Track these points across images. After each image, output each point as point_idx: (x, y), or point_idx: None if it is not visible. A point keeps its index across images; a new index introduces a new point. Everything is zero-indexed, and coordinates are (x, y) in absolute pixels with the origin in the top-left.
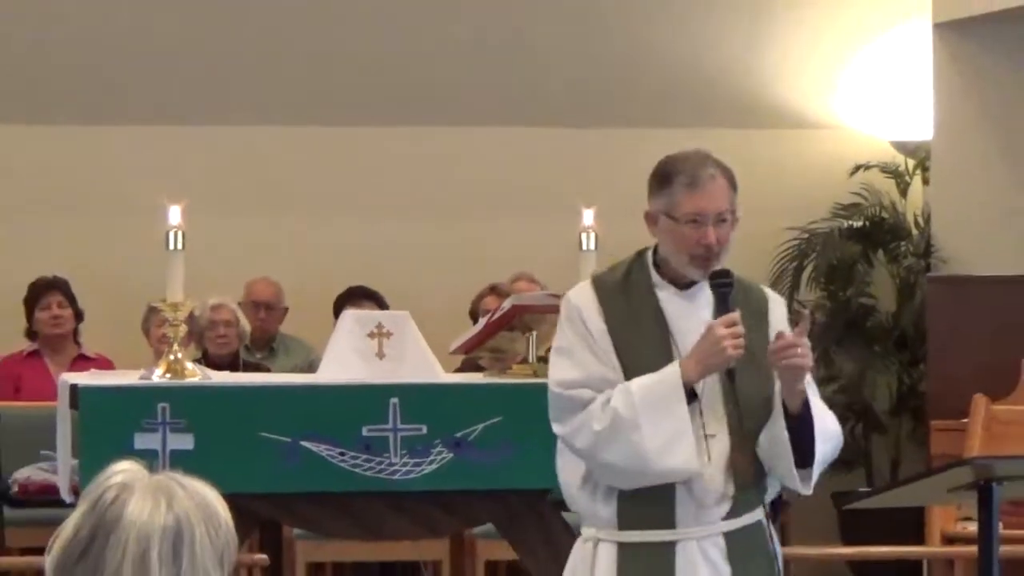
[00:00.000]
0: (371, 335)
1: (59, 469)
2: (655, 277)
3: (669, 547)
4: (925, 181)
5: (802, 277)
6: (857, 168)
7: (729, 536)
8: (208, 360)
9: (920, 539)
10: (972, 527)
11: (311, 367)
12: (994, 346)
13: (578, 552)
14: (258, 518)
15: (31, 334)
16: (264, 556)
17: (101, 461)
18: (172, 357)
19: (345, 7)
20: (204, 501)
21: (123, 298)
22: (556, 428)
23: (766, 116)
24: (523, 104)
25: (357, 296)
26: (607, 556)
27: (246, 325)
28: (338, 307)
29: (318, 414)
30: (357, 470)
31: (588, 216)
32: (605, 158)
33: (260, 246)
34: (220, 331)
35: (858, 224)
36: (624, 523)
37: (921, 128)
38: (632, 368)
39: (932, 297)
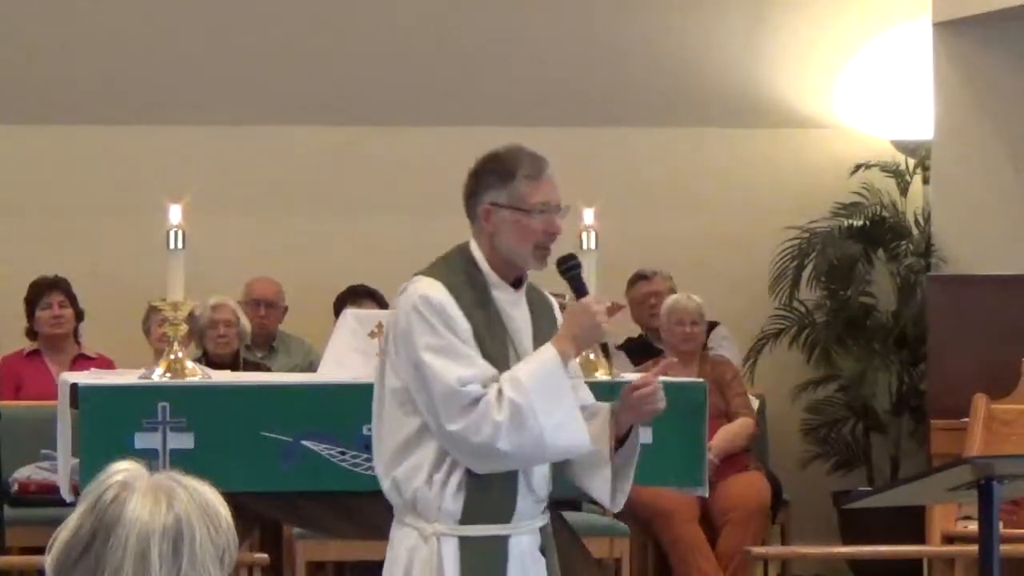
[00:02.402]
0: (371, 334)
1: (59, 468)
2: (493, 277)
3: (503, 540)
4: (925, 180)
5: (802, 276)
6: (857, 167)
7: (542, 529)
8: (208, 359)
9: (920, 539)
10: (972, 526)
11: (311, 366)
12: (994, 346)
13: (416, 550)
14: (258, 518)
15: (32, 333)
16: (264, 556)
17: (101, 460)
18: (172, 356)
19: (346, 7)
20: (205, 500)
21: (123, 298)
22: (450, 427)
23: (766, 116)
24: (523, 104)
25: (357, 295)
26: (451, 551)
27: (246, 324)
28: (338, 306)
29: (319, 413)
30: (357, 469)
31: (588, 216)
32: (605, 158)
33: (260, 246)
34: (220, 330)
35: (858, 223)
36: (467, 518)
37: (921, 127)
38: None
39: (932, 296)
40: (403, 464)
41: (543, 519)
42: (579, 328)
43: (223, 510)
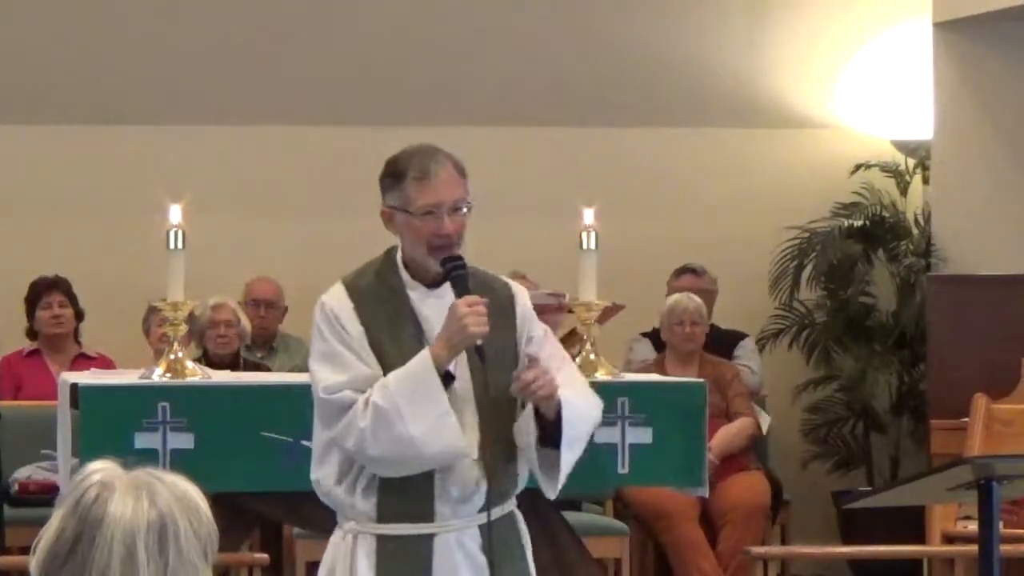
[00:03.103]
0: None
1: (60, 468)
2: (405, 277)
3: (427, 539)
4: (925, 180)
5: (802, 276)
6: (857, 167)
7: (484, 528)
8: (208, 359)
9: (920, 539)
10: (972, 526)
11: None
12: (994, 346)
13: (338, 547)
14: (258, 518)
15: (32, 333)
16: (264, 556)
17: None
18: (172, 356)
19: (344, 7)
20: (185, 495)
21: (123, 298)
22: (327, 434)
23: (766, 116)
24: (523, 104)
25: None
26: (366, 548)
27: (246, 324)
28: None
29: None
30: None
31: (588, 216)
32: (605, 158)
33: (260, 246)
34: (220, 331)
35: (858, 223)
36: (383, 516)
37: (921, 127)
38: (390, 369)
39: (932, 296)
40: (322, 465)
41: (485, 516)
42: (448, 331)
43: (202, 503)
